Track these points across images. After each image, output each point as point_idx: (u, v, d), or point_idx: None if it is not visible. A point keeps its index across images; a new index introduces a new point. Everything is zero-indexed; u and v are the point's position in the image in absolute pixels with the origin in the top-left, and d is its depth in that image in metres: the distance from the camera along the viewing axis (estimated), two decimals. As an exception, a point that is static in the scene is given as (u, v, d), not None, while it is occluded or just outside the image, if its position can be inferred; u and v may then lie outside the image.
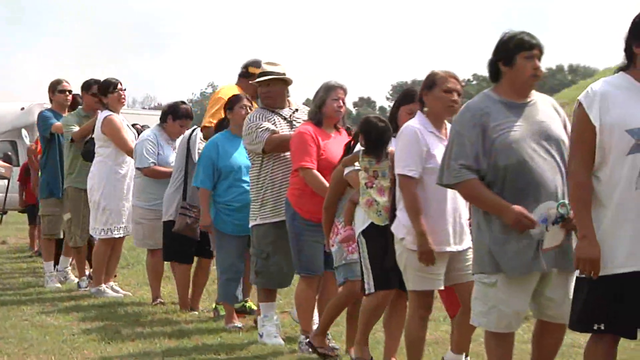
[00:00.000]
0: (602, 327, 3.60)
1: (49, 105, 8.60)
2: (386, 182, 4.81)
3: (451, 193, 4.40)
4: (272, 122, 5.61)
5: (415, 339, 4.64)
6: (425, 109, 4.56)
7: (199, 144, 6.68)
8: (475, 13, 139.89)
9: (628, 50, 3.69)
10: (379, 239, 4.74)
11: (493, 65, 4.11)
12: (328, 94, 5.40)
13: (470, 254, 4.39)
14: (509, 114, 4.04)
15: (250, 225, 5.72)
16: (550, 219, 3.91)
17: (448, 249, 4.44)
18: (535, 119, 4.03)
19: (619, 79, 3.72)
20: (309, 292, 5.46)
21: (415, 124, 4.52)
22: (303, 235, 5.37)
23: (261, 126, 5.55)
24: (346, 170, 5.01)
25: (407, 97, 4.98)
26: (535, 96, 4.12)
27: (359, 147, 4.93)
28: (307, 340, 5.28)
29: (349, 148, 5.11)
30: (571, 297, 3.75)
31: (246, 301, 6.54)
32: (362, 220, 4.86)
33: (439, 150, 4.34)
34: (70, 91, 8.16)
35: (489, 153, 3.98)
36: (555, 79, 49.98)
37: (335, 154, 5.27)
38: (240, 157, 6.11)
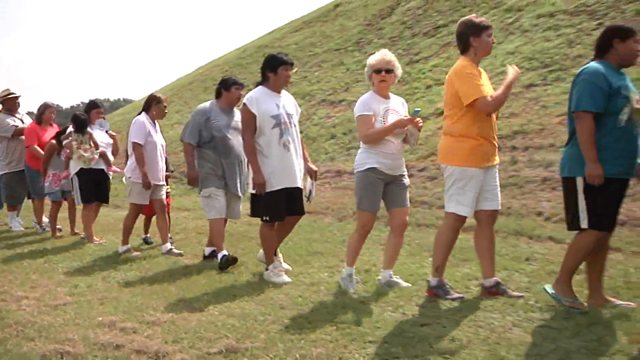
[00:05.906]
0: (267, 218, 6.70)
1: None
2: (87, 146, 9.48)
3: (160, 152, 8.55)
4: (13, 120, 11.14)
5: (130, 226, 8.61)
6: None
7: None
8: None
9: (264, 73, 6.78)
10: (86, 178, 9.48)
11: (218, 90, 7.80)
12: (46, 109, 10.83)
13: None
14: (222, 114, 7.73)
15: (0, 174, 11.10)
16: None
17: (154, 182, 8.49)
18: (234, 118, 7.71)
19: (261, 90, 6.76)
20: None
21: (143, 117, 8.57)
22: (34, 177, 10.60)
23: (7, 122, 11.09)
24: (65, 141, 9.74)
25: (93, 106, 9.98)
26: (236, 108, 7.77)
27: (70, 129, 9.58)
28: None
29: (59, 134, 9.94)
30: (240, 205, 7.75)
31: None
32: (74, 167, 9.57)
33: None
34: None
35: (209, 130, 7.58)
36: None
37: (48, 139, 10.34)
38: None
